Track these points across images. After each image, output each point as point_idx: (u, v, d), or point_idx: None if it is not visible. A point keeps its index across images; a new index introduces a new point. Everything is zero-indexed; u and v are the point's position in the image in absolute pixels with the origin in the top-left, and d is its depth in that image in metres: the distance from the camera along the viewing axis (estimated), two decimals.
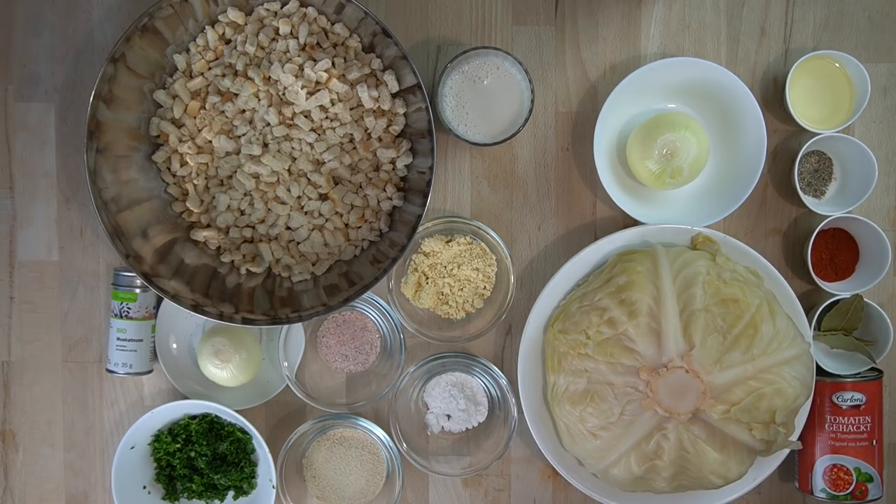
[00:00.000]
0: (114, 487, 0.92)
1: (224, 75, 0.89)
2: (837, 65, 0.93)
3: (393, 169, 0.91)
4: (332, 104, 0.88)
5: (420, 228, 0.89)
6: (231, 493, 0.96)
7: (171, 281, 0.88)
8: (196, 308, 0.87)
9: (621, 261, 0.89)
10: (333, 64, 0.88)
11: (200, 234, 0.91)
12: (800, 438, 0.91)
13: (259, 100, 0.89)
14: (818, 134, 0.91)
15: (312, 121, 0.89)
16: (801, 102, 0.93)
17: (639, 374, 0.83)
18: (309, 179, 0.90)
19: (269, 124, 0.89)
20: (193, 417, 0.95)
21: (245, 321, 0.88)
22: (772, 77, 0.95)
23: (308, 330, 0.95)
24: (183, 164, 0.91)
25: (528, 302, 0.93)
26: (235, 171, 0.90)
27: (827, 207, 0.94)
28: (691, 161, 0.88)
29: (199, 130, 0.90)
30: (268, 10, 0.89)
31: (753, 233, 0.96)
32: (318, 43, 0.89)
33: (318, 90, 0.88)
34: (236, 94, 0.89)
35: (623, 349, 0.84)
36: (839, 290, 0.93)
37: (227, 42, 0.90)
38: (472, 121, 0.90)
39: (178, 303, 0.86)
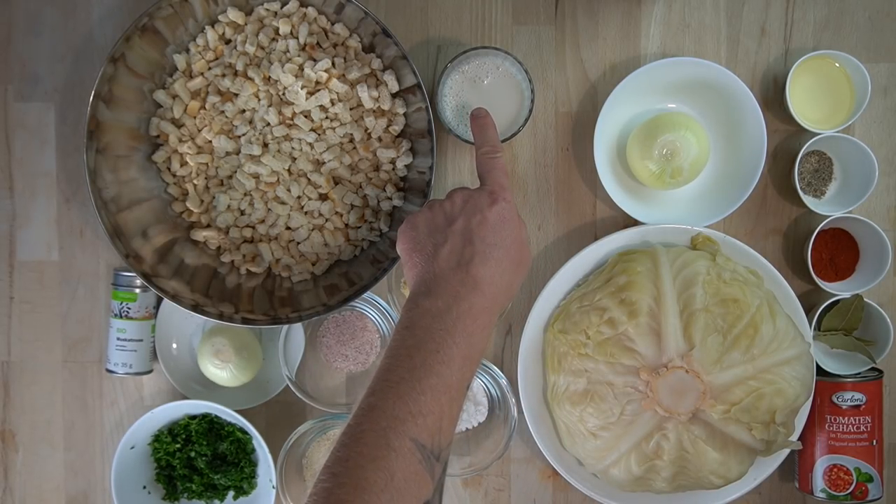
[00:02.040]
0: (114, 487, 0.92)
1: (224, 75, 0.89)
2: (837, 65, 0.92)
3: (393, 169, 0.91)
4: (332, 104, 0.88)
5: None
6: (231, 493, 0.96)
7: (171, 281, 0.88)
8: (196, 308, 0.87)
9: (621, 261, 0.89)
10: (333, 64, 0.88)
11: (200, 234, 0.91)
12: (800, 438, 0.91)
13: (259, 100, 0.88)
14: (818, 134, 0.91)
15: (312, 121, 0.89)
16: (801, 102, 0.93)
17: (639, 374, 0.83)
18: (309, 179, 0.90)
19: (269, 124, 0.89)
20: (193, 417, 0.95)
21: (245, 321, 0.88)
22: (772, 77, 0.95)
23: (308, 330, 0.95)
24: (183, 164, 0.91)
25: (528, 302, 0.93)
26: (235, 171, 0.90)
27: (827, 207, 0.94)
28: (691, 161, 0.88)
29: (199, 130, 0.90)
30: (268, 10, 0.89)
31: (753, 233, 0.96)
32: (318, 43, 0.89)
33: (318, 90, 0.88)
34: (236, 94, 0.89)
35: (623, 349, 0.84)
36: (839, 290, 0.93)
37: (227, 42, 0.90)
38: None
39: (178, 303, 0.86)
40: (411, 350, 0.65)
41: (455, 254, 0.70)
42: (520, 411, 0.93)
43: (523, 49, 0.95)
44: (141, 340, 0.93)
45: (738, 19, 0.94)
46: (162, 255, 0.89)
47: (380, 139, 0.90)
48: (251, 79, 0.88)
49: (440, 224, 0.73)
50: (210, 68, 0.90)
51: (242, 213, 0.92)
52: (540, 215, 0.96)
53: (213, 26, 0.89)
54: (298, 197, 0.91)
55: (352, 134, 0.90)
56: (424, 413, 0.62)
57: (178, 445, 0.94)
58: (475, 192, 0.74)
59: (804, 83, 0.93)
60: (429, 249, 0.72)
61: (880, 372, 0.93)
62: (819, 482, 0.92)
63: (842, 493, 0.91)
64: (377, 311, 0.95)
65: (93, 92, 0.84)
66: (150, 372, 0.95)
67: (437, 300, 0.68)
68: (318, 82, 0.88)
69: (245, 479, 0.95)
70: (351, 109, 0.90)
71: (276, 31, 0.88)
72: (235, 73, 0.89)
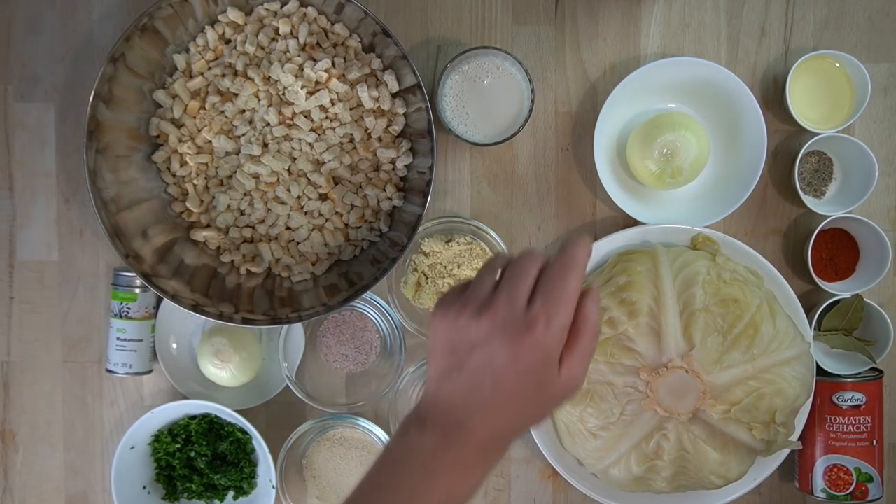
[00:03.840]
0: (114, 487, 0.92)
1: (224, 75, 0.89)
2: (837, 65, 0.92)
3: (393, 169, 0.91)
4: (332, 104, 0.88)
5: (420, 228, 0.89)
6: (231, 493, 0.96)
7: (171, 281, 0.88)
8: (196, 308, 0.87)
9: (621, 261, 0.89)
10: (333, 64, 0.88)
11: (200, 234, 0.91)
12: (800, 438, 0.91)
13: (259, 100, 0.88)
14: (818, 134, 0.91)
15: (312, 121, 0.89)
16: (801, 102, 0.93)
17: (639, 374, 0.83)
18: (309, 179, 0.90)
19: (268, 124, 0.89)
20: (193, 417, 0.95)
21: (245, 321, 0.87)
22: (772, 77, 0.95)
23: (308, 330, 0.95)
24: (183, 164, 0.91)
25: None
26: (235, 171, 0.90)
27: (827, 207, 0.94)
28: (691, 161, 0.88)
29: (199, 130, 0.90)
30: (268, 10, 0.89)
31: (753, 233, 0.96)
32: (318, 43, 0.89)
33: (318, 90, 0.88)
34: (236, 94, 0.89)
35: (623, 349, 0.84)
36: (839, 290, 0.93)
37: (227, 42, 0.90)
38: (472, 121, 0.90)
39: (178, 303, 0.86)
40: (382, 487, 0.59)
41: (463, 390, 0.59)
42: None
43: (523, 49, 0.95)
44: (141, 340, 0.93)
45: (738, 19, 0.94)
46: (162, 255, 0.89)
47: (380, 139, 0.90)
48: (251, 79, 0.88)
49: (462, 342, 0.60)
50: (210, 68, 0.90)
51: (242, 213, 0.92)
52: (540, 215, 0.96)
53: (213, 26, 0.89)
54: (298, 197, 0.91)
55: (352, 134, 0.90)
56: None
57: (178, 445, 0.94)
58: (517, 315, 0.59)
59: (804, 83, 0.93)
60: (442, 364, 0.61)
61: (880, 372, 0.93)
62: (819, 482, 0.92)
63: (842, 493, 0.91)
64: (377, 311, 0.95)
65: (93, 92, 0.84)
66: (150, 372, 0.95)
67: (428, 437, 0.59)
68: (318, 82, 0.88)
69: (245, 479, 0.95)
70: (351, 109, 0.90)
71: (276, 31, 0.88)
72: (235, 73, 0.89)
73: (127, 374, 0.93)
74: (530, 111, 0.88)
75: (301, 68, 0.87)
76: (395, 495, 0.58)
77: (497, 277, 0.62)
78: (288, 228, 0.92)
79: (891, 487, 0.96)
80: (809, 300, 0.95)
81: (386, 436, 0.94)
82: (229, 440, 0.94)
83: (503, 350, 0.58)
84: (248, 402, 0.95)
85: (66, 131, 0.96)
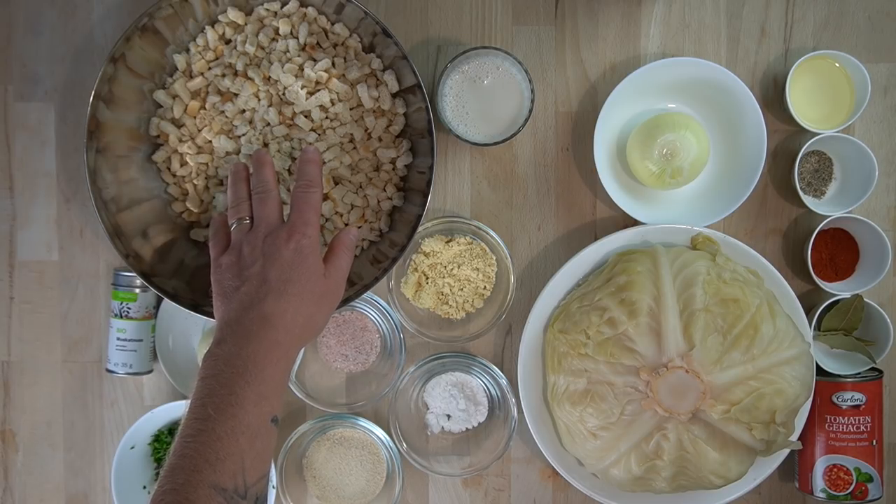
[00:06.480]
0: (114, 487, 0.92)
1: (224, 75, 0.89)
2: (837, 65, 0.93)
3: (393, 169, 0.91)
4: (332, 104, 0.88)
5: (420, 228, 0.89)
6: None
7: (171, 281, 0.88)
8: (196, 308, 0.87)
9: (621, 261, 0.89)
10: (333, 64, 0.88)
11: (200, 234, 0.91)
12: (800, 438, 0.91)
13: (259, 100, 0.89)
14: (818, 134, 0.91)
15: (312, 121, 0.89)
16: (801, 102, 0.93)
17: (639, 374, 0.83)
18: None
19: (269, 124, 0.89)
20: None
21: None
22: (772, 77, 0.95)
23: None
24: (183, 164, 0.91)
25: (528, 302, 0.93)
26: None
27: (827, 207, 0.94)
28: (691, 161, 0.88)
29: (199, 130, 0.90)
30: (268, 10, 0.89)
31: (753, 233, 0.96)
32: (318, 43, 0.89)
33: (318, 90, 0.88)
34: (236, 94, 0.89)
35: (623, 349, 0.84)
36: (839, 290, 0.93)
37: (227, 42, 0.90)
38: (472, 121, 0.90)
39: (178, 303, 0.86)
40: (205, 400, 0.67)
41: (250, 295, 0.73)
42: (520, 411, 0.93)
43: (523, 49, 0.95)
44: (141, 340, 0.93)
45: (738, 19, 0.94)
46: (162, 255, 0.89)
47: (380, 139, 0.90)
48: (251, 79, 0.88)
49: (242, 266, 0.76)
50: (210, 68, 0.90)
51: None
52: (540, 215, 0.96)
53: (213, 26, 0.89)
54: None
55: (352, 134, 0.90)
56: (222, 458, 0.65)
57: None
58: (275, 230, 0.77)
59: (804, 83, 0.93)
60: (229, 294, 0.75)
61: (880, 372, 0.93)
62: (819, 482, 0.92)
63: (842, 493, 0.91)
64: (377, 311, 0.95)
65: (93, 92, 0.84)
66: (150, 372, 0.95)
67: (229, 345, 0.70)
68: (318, 82, 0.88)
69: None
70: (351, 109, 0.90)
71: (276, 31, 0.88)
72: (235, 73, 0.89)
73: (127, 374, 0.93)
74: (530, 111, 0.88)
75: (301, 68, 0.87)
76: (215, 403, 0.67)
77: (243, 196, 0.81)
78: None
79: (891, 487, 0.96)
80: (809, 300, 0.95)
81: (386, 436, 0.94)
82: None
83: (276, 251, 0.75)
84: None
85: (66, 131, 0.96)
